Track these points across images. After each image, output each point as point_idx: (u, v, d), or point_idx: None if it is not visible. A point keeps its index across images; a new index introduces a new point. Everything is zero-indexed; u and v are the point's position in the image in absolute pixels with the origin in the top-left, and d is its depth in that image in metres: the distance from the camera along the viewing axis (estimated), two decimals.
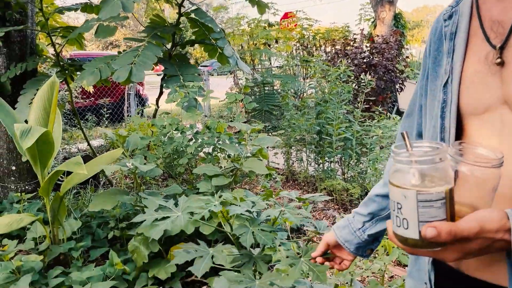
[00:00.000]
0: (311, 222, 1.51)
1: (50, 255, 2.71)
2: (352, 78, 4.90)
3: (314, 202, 4.16)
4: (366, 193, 4.31)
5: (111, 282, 2.42)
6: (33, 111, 2.56)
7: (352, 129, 4.29)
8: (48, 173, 2.70)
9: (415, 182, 0.63)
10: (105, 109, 7.17)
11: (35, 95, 3.32)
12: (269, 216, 1.57)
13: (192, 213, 1.61)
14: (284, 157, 5.40)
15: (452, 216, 0.65)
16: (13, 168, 3.78)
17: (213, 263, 1.45)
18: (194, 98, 3.15)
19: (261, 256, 1.45)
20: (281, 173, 5.39)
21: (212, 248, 1.49)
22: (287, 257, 1.37)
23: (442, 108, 0.83)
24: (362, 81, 4.60)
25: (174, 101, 3.10)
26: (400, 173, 0.65)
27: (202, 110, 3.18)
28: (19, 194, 3.42)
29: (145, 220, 1.99)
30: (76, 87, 6.79)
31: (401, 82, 7.08)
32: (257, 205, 1.59)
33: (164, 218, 1.54)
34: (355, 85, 5.58)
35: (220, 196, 1.61)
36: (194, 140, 3.10)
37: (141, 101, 9.42)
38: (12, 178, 3.79)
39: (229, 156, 3.40)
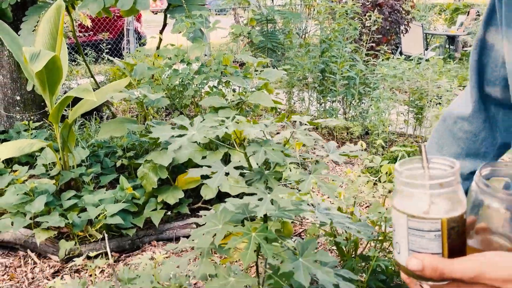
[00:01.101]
0: (321, 145, 1.58)
1: (61, 180, 2.80)
2: (357, 17, 4.80)
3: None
4: (367, 132, 4.39)
5: (123, 204, 2.54)
6: (40, 36, 2.53)
7: (356, 68, 4.28)
8: (57, 100, 2.73)
9: (407, 206, 0.56)
10: (104, 44, 7.03)
11: (37, 22, 3.26)
12: (280, 140, 1.63)
13: (214, 128, 1.67)
14: (285, 97, 5.42)
15: (454, 249, 0.55)
16: (18, 98, 3.79)
17: (226, 174, 1.51)
18: (199, 29, 3.10)
19: (272, 173, 1.52)
20: (283, 113, 5.43)
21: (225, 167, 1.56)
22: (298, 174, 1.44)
23: None
24: (368, 19, 4.51)
25: (180, 32, 3.06)
26: (398, 193, 0.58)
27: (208, 41, 3.14)
28: (26, 122, 3.46)
29: (161, 135, 2.06)
30: (74, 20, 6.60)
31: (406, 23, 6.93)
32: (269, 128, 1.64)
33: (180, 136, 1.59)
34: (360, 26, 5.48)
35: (233, 118, 1.66)
36: (200, 73, 3.10)
37: (139, 38, 9.22)
38: (17, 108, 3.81)
39: (234, 90, 3.42)
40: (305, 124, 1.67)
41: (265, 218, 1.56)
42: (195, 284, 2.31)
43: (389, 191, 1.93)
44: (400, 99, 4.20)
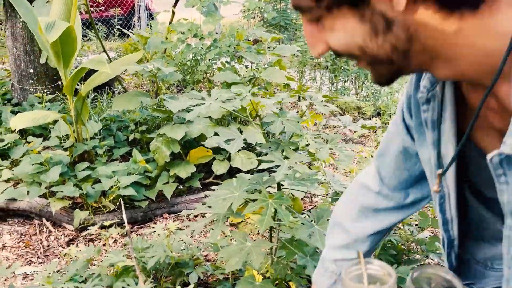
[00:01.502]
0: (337, 117, 1.57)
1: (75, 152, 2.83)
2: None
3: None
4: (378, 113, 4.36)
5: (135, 177, 2.57)
6: (54, 7, 2.52)
7: None
8: (71, 73, 2.74)
9: None
10: (115, 20, 6.99)
11: None
12: (295, 114, 1.63)
13: (224, 102, 1.67)
14: (297, 76, 5.37)
15: None
16: (31, 71, 3.81)
17: (245, 142, 1.51)
18: (213, 3, 3.07)
19: (288, 142, 1.53)
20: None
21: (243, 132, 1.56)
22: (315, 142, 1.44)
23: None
24: None
25: (193, 6, 3.04)
26: None
27: (221, 16, 3.11)
28: (40, 95, 3.48)
29: (175, 108, 2.06)
30: None
31: None
32: (286, 100, 1.64)
33: (197, 105, 1.59)
34: None
35: (249, 91, 1.65)
36: (213, 48, 3.08)
37: (150, 15, 9.15)
38: (30, 81, 3.83)
39: (246, 66, 3.40)
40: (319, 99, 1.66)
41: (279, 187, 1.57)
42: (205, 256, 2.34)
43: None
44: None
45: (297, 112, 1.65)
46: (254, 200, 1.43)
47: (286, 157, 1.52)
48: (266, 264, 1.63)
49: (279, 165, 1.38)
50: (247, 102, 1.63)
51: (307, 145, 1.62)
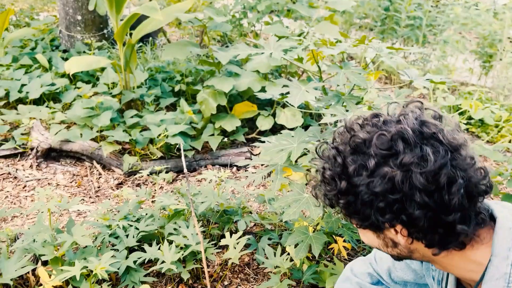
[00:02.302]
0: (403, 70, 1.50)
1: (123, 99, 2.88)
2: None
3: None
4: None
5: (183, 126, 2.59)
6: None
7: (424, 8, 4.00)
8: (121, 19, 2.74)
9: None
10: None
11: None
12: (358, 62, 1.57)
13: (285, 51, 1.62)
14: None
15: None
16: (79, 17, 3.83)
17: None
18: None
19: (350, 96, 1.48)
20: None
21: (303, 86, 1.52)
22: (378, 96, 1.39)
23: None
24: None
25: None
26: None
27: None
28: (89, 41, 3.52)
29: (224, 59, 2.02)
30: None
31: None
32: (350, 51, 1.58)
33: (256, 54, 1.56)
34: None
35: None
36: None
37: None
38: (78, 28, 3.87)
39: (295, 19, 3.30)
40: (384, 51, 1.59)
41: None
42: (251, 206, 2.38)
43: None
44: (468, 45, 3.94)
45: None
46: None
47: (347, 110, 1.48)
48: (318, 217, 1.64)
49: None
50: (311, 49, 1.58)
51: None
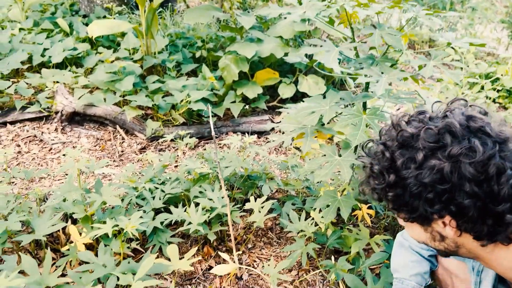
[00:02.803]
0: (440, 33, 1.45)
1: (145, 65, 2.86)
2: None
3: None
4: (452, 47, 4.06)
5: (205, 92, 2.58)
6: None
7: None
8: None
9: None
10: None
11: None
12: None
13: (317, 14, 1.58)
14: None
15: None
16: None
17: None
18: None
19: (384, 58, 1.44)
20: None
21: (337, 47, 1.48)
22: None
23: None
24: None
25: None
26: None
27: None
28: (109, 5, 3.48)
29: (247, 23, 1.97)
30: None
31: None
32: (386, 11, 1.52)
33: (288, 14, 1.51)
34: None
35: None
36: None
37: None
38: None
39: None
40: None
41: (365, 106, 1.51)
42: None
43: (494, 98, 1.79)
44: (497, 14, 3.78)
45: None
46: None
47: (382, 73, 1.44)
48: (344, 183, 1.63)
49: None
50: (348, 9, 1.53)
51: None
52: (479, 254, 0.86)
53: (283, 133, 1.52)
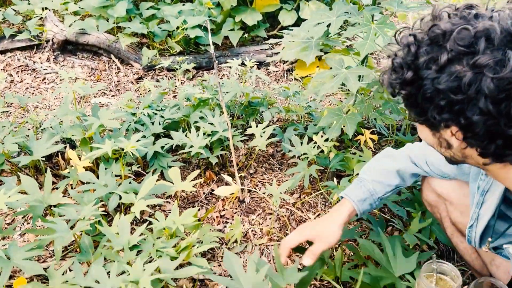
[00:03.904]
0: None
1: None
2: None
3: None
4: None
5: (203, 17, 2.46)
6: None
7: None
8: None
9: None
10: None
11: None
12: None
13: None
14: None
15: None
16: None
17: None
18: None
19: None
20: None
21: None
22: None
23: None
24: None
25: None
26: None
27: None
28: None
29: None
30: None
31: None
32: None
33: None
34: None
35: None
36: None
37: None
38: None
39: None
40: None
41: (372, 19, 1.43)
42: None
43: None
44: None
45: None
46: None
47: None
48: (348, 104, 1.58)
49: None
50: None
51: None
52: (487, 168, 0.83)
53: (284, 62, 1.44)
